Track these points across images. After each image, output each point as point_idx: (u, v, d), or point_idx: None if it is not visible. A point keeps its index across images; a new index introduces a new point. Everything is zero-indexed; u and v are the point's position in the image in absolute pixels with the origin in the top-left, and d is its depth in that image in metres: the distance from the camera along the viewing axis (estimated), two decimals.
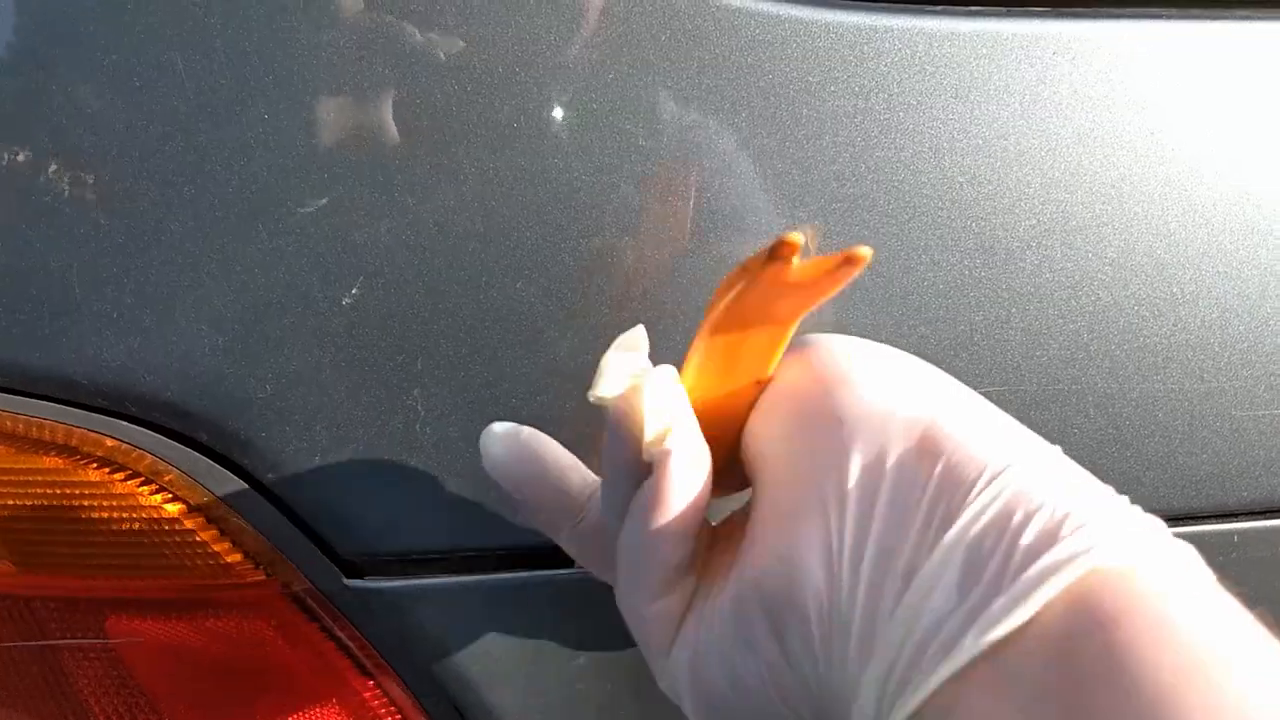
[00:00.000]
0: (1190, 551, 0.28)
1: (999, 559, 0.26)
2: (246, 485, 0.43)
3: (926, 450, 0.29)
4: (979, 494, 0.27)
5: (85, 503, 0.43)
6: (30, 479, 0.43)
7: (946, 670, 0.26)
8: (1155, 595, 0.25)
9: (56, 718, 0.47)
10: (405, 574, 0.44)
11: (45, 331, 0.40)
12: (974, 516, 0.27)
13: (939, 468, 0.28)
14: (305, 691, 0.45)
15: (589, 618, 0.44)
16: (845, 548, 0.29)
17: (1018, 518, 0.27)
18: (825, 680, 0.30)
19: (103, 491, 0.43)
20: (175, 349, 0.41)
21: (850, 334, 0.35)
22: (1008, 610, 0.26)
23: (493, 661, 0.44)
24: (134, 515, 0.43)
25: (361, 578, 0.44)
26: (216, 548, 0.43)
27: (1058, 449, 0.31)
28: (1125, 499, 0.29)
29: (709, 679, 0.32)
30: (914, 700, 0.26)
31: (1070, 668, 0.24)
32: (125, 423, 0.43)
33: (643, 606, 0.34)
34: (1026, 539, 0.26)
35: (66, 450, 0.43)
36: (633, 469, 0.33)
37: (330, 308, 0.41)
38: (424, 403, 0.42)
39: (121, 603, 0.45)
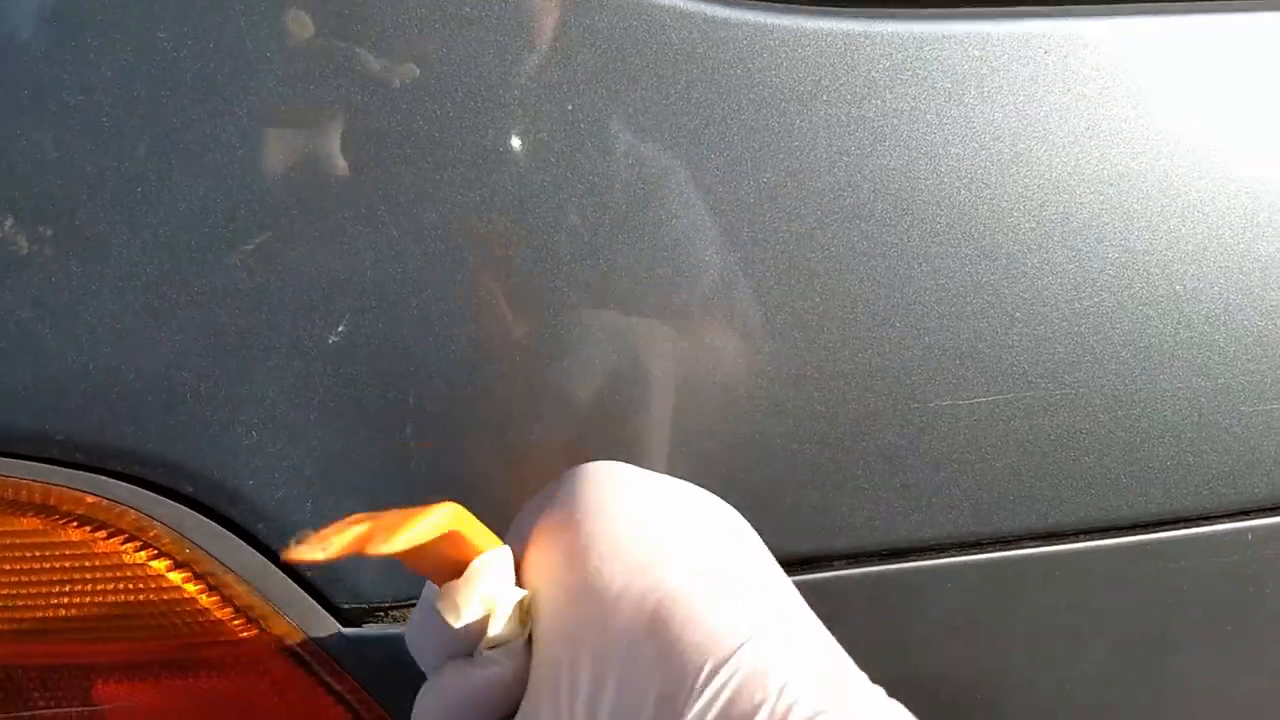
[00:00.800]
0: None
1: None
2: (235, 538, 0.41)
3: (653, 638, 0.28)
4: (702, 691, 0.26)
5: (66, 564, 0.41)
6: (7, 541, 0.41)
7: None
8: None
9: None
10: (404, 620, 0.42)
11: (17, 387, 0.39)
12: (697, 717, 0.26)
13: (662, 659, 0.27)
14: None
15: None
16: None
17: (740, 714, 0.26)
18: None
19: (84, 551, 0.41)
20: (156, 399, 0.39)
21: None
22: None
23: None
24: (118, 575, 0.41)
25: (359, 626, 0.42)
26: (206, 603, 0.42)
27: (800, 603, 0.30)
28: (863, 678, 0.28)
29: None
30: None
31: None
32: (106, 478, 0.41)
33: None
34: None
35: (44, 510, 0.41)
36: (455, 648, 0.34)
37: (316, 346, 0.39)
38: (417, 439, 0.40)
39: (109, 668, 0.43)
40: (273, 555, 0.41)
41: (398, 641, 0.42)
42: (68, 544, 0.41)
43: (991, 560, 0.43)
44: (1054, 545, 0.43)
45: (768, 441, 0.41)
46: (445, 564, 0.33)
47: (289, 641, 0.42)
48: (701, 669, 0.27)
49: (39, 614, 0.42)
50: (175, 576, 0.41)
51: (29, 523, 0.41)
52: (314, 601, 0.42)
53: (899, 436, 0.41)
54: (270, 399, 0.40)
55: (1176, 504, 0.45)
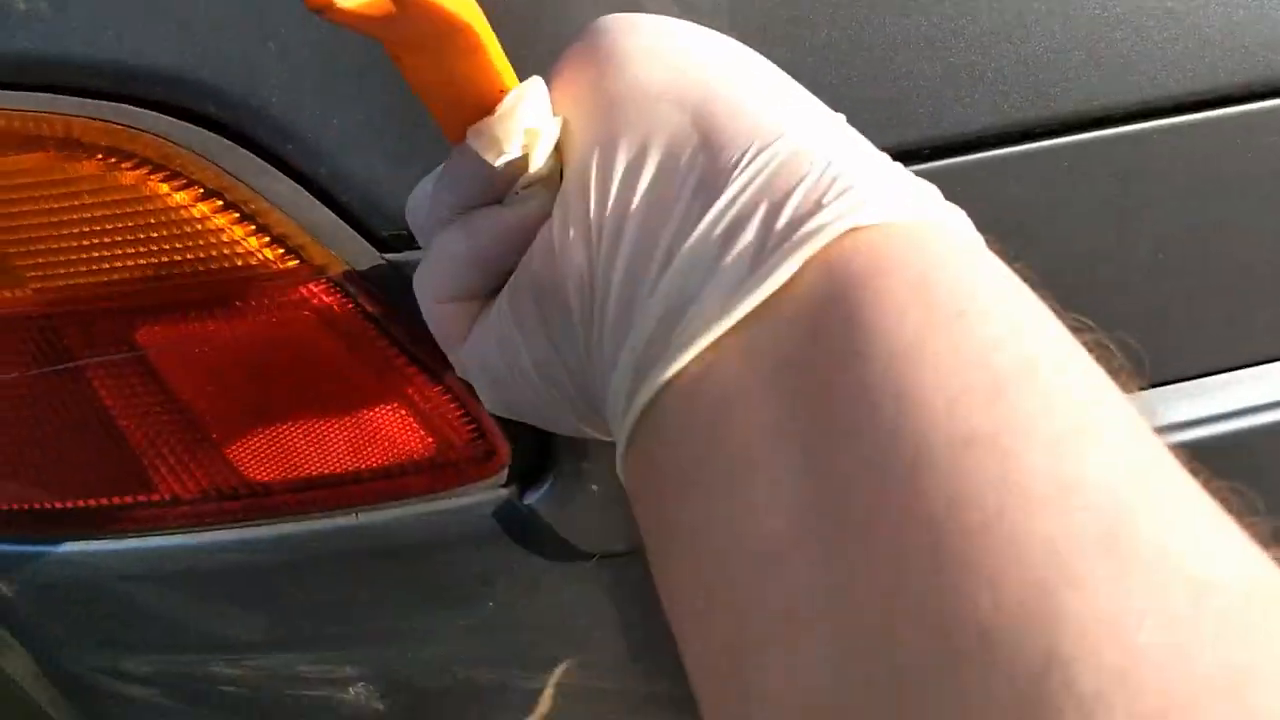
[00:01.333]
0: (960, 215, 0.27)
1: (758, 230, 0.25)
2: (265, 162, 0.40)
3: (695, 127, 0.27)
4: (746, 167, 0.26)
5: (88, 200, 0.40)
6: (26, 180, 0.40)
7: (698, 342, 0.25)
8: (912, 253, 0.24)
9: (89, 448, 0.46)
10: None
11: (30, 8, 0.37)
12: (739, 190, 0.26)
13: (706, 143, 0.27)
14: (348, 377, 0.44)
15: None
16: (605, 231, 0.28)
17: (782, 186, 0.25)
18: (586, 365, 0.29)
19: (110, 184, 0.40)
20: (173, 12, 0.37)
21: None
22: (761, 280, 0.24)
23: None
24: (146, 208, 0.40)
25: (399, 252, 0.42)
26: (239, 234, 0.41)
27: (841, 117, 0.29)
28: (900, 166, 0.28)
29: (492, 365, 0.33)
30: (666, 371, 0.26)
31: (815, 333, 0.23)
32: (128, 105, 0.39)
33: (435, 304, 0.34)
34: (789, 206, 0.25)
35: (64, 143, 0.40)
36: (490, 192, 0.32)
37: None
38: None
39: (147, 310, 0.42)
40: (305, 180, 0.41)
41: None
42: (90, 178, 0.40)
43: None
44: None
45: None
46: (467, 97, 0.31)
47: (329, 271, 0.42)
48: (747, 149, 0.26)
49: (69, 257, 0.41)
50: (204, 207, 0.41)
51: (46, 157, 0.39)
52: (352, 229, 0.42)
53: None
54: (292, 5, 0.38)
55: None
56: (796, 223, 0.25)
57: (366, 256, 0.42)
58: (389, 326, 0.44)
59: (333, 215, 0.41)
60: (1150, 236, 0.44)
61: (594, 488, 0.46)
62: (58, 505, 0.48)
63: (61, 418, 0.45)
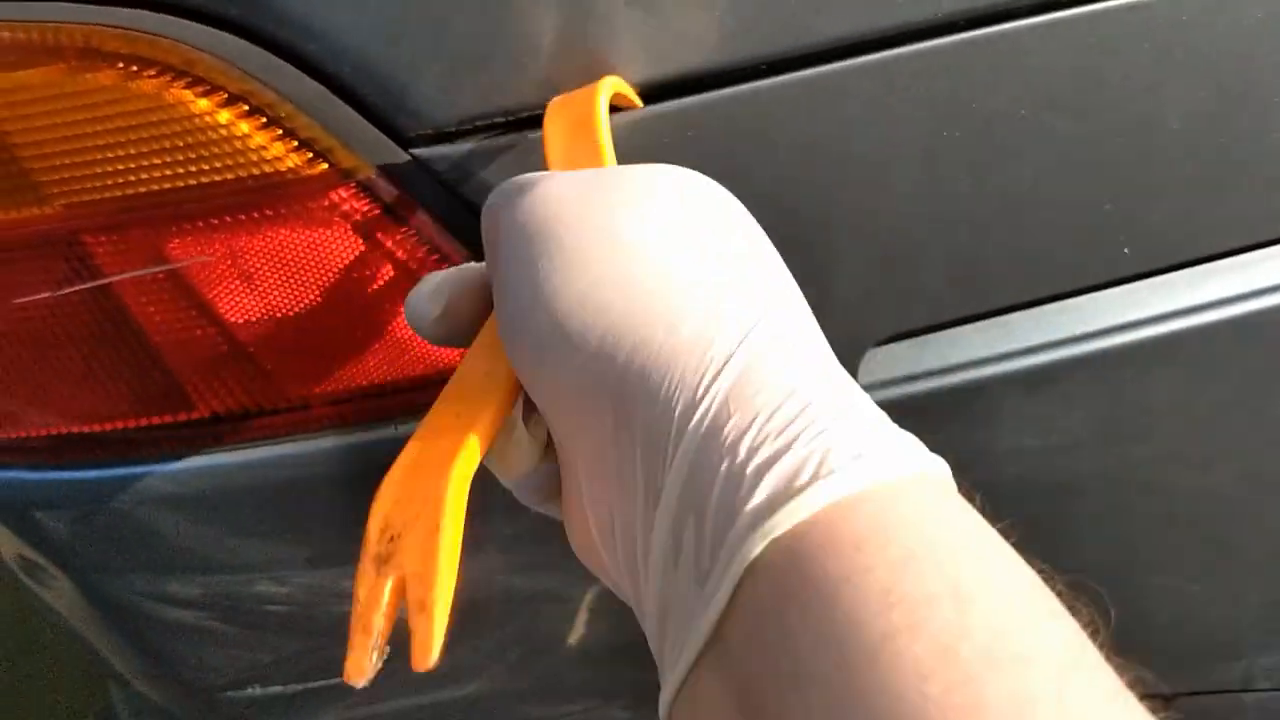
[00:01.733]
0: (939, 467, 0.25)
1: (695, 541, 0.24)
2: (288, 65, 0.40)
3: (618, 419, 0.26)
4: (679, 449, 0.25)
5: (110, 111, 0.39)
6: (45, 94, 0.39)
7: (678, 667, 0.24)
8: (835, 561, 0.22)
9: (124, 369, 0.45)
10: (473, 140, 0.41)
11: None
12: (676, 479, 0.25)
13: (637, 438, 0.26)
14: (382, 283, 0.44)
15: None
16: (597, 527, 0.28)
17: (707, 483, 0.24)
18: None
19: (130, 94, 0.39)
20: None
21: None
22: (711, 594, 0.23)
23: None
24: (168, 117, 0.40)
25: (426, 148, 0.41)
26: (264, 139, 0.41)
27: (801, 308, 0.28)
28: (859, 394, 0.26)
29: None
30: (669, 690, 0.25)
31: (765, 650, 0.22)
32: (145, 11, 0.39)
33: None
34: (711, 515, 0.24)
35: (83, 53, 0.39)
36: None
37: None
38: None
39: (175, 222, 0.42)
40: (329, 81, 0.40)
41: (467, 161, 0.42)
42: (109, 88, 0.39)
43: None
44: None
45: None
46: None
47: (358, 175, 0.42)
48: (672, 436, 0.25)
49: (95, 170, 0.40)
50: (228, 113, 0.40)
51: (64, 68, 0.39)
52: (378, 131, 0.41)
53: None
54: None
55: None
56: (722, 533, 0.23)
57: (394, 156, 0.41)
58: (420, 226, 0.43)
59: (359, 116, 0.41)
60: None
61: None
62: (95, 429, 0.48)
63: (95, 338, 0.45)
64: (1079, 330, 0.49)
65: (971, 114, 0.42)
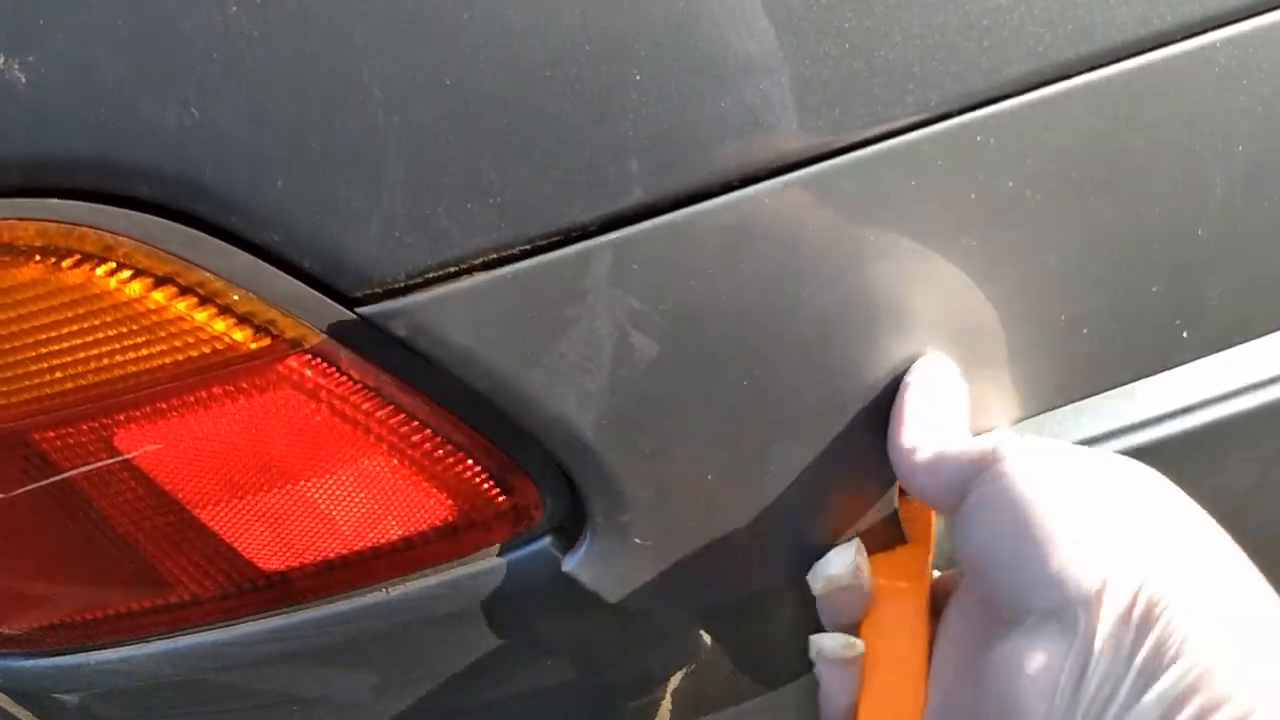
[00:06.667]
0: None
1: None
2: (213, 238, 0.37)
3: (1139, 624, 0.30)
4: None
5: (38, 306, 0.37)
6: None
7: None
8: None
9: (98, 558, 0.43)
10: (421, 290, 0.38)
11: None
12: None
13: (1146, 643, 0.30)
14: (346, 449, 0.41)
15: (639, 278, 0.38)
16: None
17: None
18: None
19: (55, 287, 0.37)
20: (81, 93, 0.34)
21: None
22: None
23: (525, 349, 0.38)
24: (98, 306, 0.37)
25: (376, 304, 0.38)
26: (202, 319, 0.38)
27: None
28: None
29: None
30: None
31: None
32: (54, 200, 0.36)
33: None
34: None
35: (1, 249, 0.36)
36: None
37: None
38: (381, 85, 0.35)
39: (122, 412, 0.39)
40: (259, 250, 0.37)
41: (422, 313, 0.38)
42: (29, 284, 0.37)
43: None
44: None
45: None
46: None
47: (306, 342, 0.38)
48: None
49: (31, 368, 0.38)
50: (158, 295, 0.37)
51: None
52: (320, 294, 0.38)
53: None
54: (205, 60, 0.34)
55: None
56: None
57: (341, 317, 0.38)
58: (380, 386, 0.40)
59: (296, 282, 0.37)
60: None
61: (637, 541, 0.42)
62: (83, 617, 0.46)
63: (63, 531, 0.42)
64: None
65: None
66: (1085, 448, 0.36)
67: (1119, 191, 0.37)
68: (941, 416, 0.38)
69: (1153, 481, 0.34)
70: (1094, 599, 0.31)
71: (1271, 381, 0.42)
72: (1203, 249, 0.38)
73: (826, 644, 0.40)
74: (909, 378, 0.39)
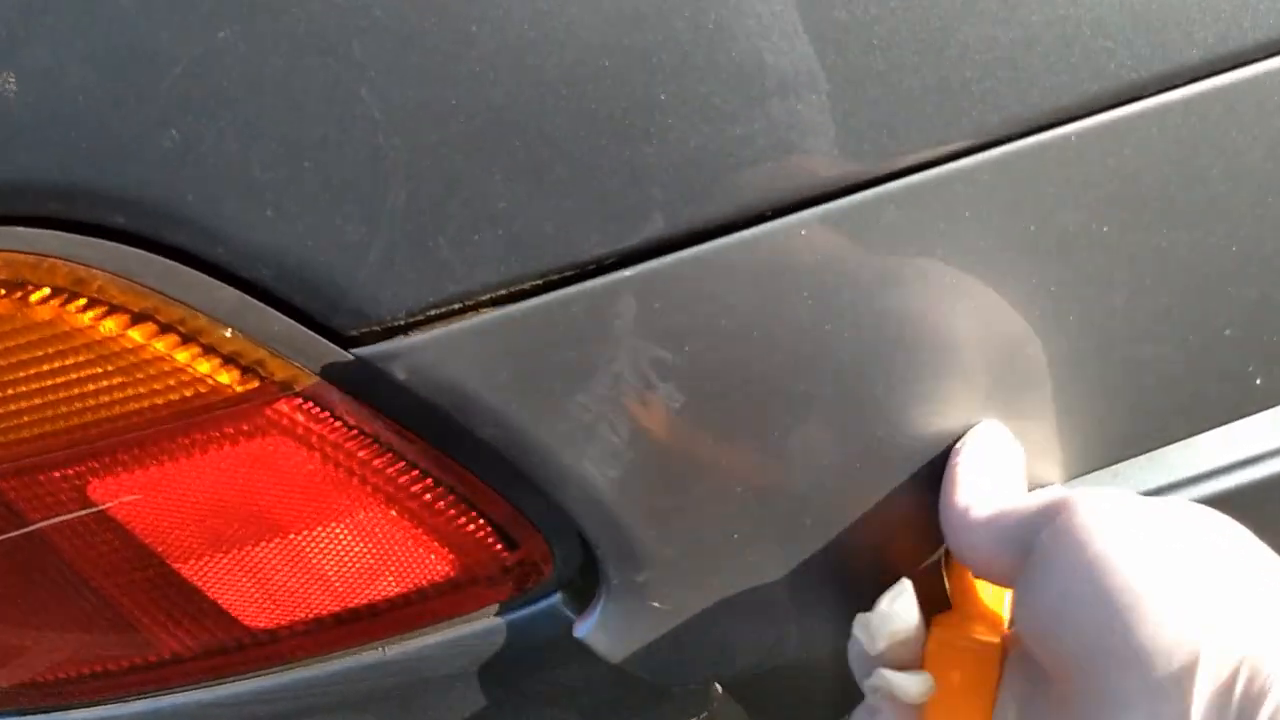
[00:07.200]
0: None
1: None
2: (195, 271, 0.33)
3: (1243, 698, 0.28)
4: None
5: (5, 344, 0.34)
6: None
7: None
8: None
9: (73, 614, 0.40)
10: (421, 331, 0.35)
11: None
12: None
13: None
14: (340, 499, 0.37)
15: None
16: None
17: None
18: None
19: (22, 324, 0.34)
20: (54, 114, 0.31)
21: None
22: None
23: (534, 394, 0.35)
24: (70, 345, 0.34)
25: (372, 345, 0.35)
26: (184, 359, 0.34)
27: None
28: None
29: None
30: None
31: None
32: (20, 228, 0.33)
33: None
34: None
35: None
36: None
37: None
38: (381, 104, 0.32)
39: (95, 460, 0.36)
40: (245, 285, 0.34)
41: (422, 354, 0.35)
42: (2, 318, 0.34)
43: None
44: None
45: None
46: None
47: (297, 385, 0.35)
48: None
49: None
50: (136, 334, 0.34)
51: None
52: (312, 334, 0.35)
53: None
54: (187, 81, 0.31)
55: None
56: None
57: (336, 358, 0.35)
58: (376, 433, 0.37)
59: (288, 320, 0.34)
60: None
61: (656, 604, 0.38)
62: (57, 675, 0.42)
63: (35, 585, 0.39)
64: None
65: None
66: (1160, 498, 0.33)
67: (1194, 223, 0.34)
68: (997, 478, 0.34)
69: (1238, 534, 0.32)
70: (1190, 671, 0.28)
71: None
72: None
73: (900, 682, 0.35)
74: (960, 443, 0.35)
